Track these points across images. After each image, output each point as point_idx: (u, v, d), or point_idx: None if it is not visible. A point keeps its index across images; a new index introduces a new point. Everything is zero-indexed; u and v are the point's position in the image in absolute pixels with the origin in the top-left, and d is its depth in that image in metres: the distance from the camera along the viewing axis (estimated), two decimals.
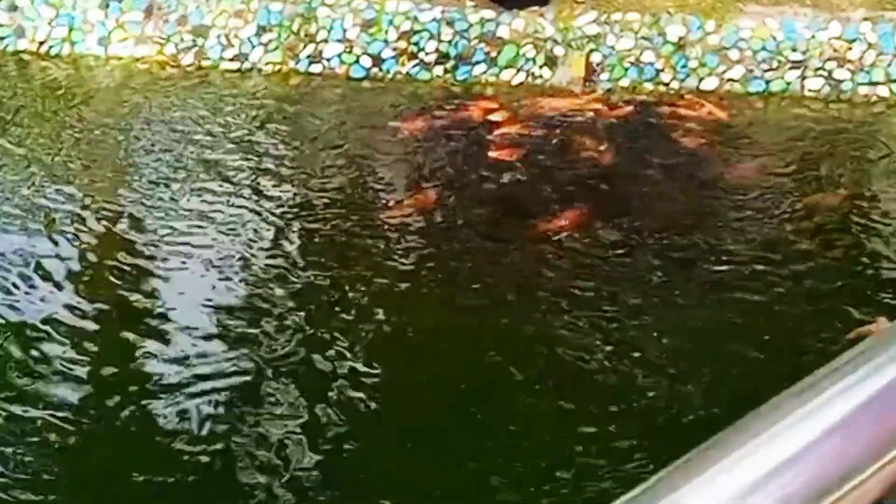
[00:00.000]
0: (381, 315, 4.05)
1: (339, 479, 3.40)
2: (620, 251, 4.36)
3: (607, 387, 3.64)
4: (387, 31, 5.94)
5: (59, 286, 4.32)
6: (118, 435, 3.64)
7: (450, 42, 5.89)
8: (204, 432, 3.59)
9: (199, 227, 4.70)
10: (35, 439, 3.59)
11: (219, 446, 3.53)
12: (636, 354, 3.77)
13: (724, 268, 4.22)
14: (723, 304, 4.02)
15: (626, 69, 5.68)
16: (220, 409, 3.69)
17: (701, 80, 5.60)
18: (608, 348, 3.80)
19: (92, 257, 4.59)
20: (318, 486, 3.38)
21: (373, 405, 3.66)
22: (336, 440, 3.52)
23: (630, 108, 5.41)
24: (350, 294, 4.18)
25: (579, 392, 3.64)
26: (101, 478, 3.54)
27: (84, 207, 4.85)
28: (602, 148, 5.05)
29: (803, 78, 5.53)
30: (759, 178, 4.80)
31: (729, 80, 5.59)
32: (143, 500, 3.41)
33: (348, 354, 3.85)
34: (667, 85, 5.61)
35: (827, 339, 3.77)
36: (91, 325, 4.14)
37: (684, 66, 5.63)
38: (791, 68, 5.56)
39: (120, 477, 3.44)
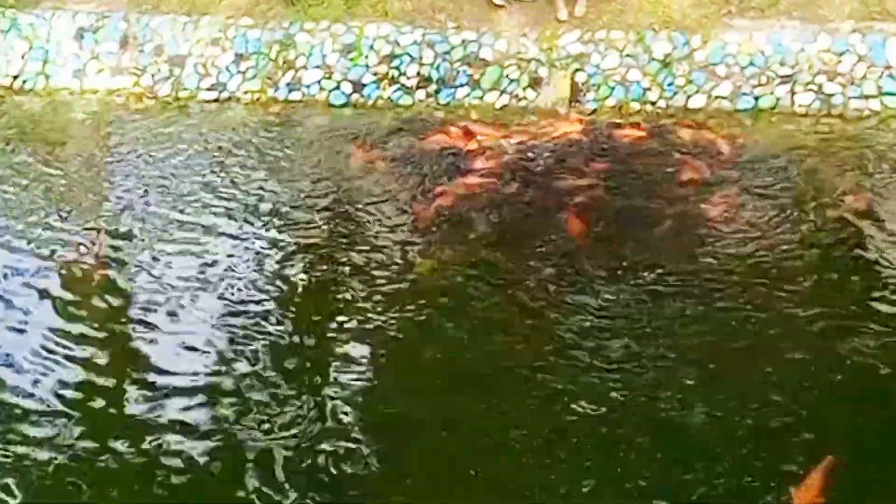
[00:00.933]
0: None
1: None
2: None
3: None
4: (367, 56, 5.81)
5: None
6: None
7: (431, 65, 5.76)
8: None
9: (179, 255, 4.59)
10: None
11: None
12: None
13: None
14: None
15: (612, 88, 5.55)
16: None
17: (689, 97, 5.47)
18: None
19: (71, 286, 4.47)
20: None
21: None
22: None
23: (629, 131, 5.25)
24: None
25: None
26: None
27: (62, 240, 4.75)
28: (591, 181, 4.89)
29: (793, 93, 5.41)
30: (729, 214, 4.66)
31: (717, 97, 5.46)
32: None
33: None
34: (654, 104, 5.49)
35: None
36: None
37: (671, 84, 5.51)
38: (780, 83, 5.44)
39: None
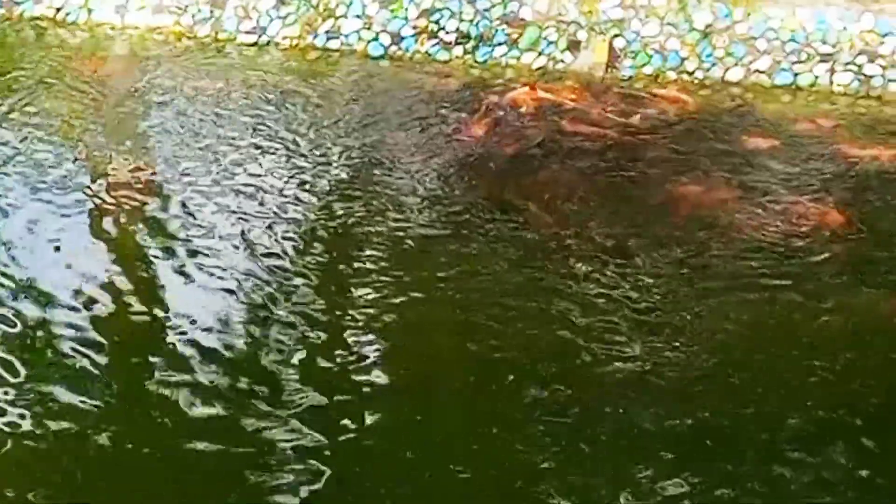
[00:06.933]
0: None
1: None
2: None
3: None
4: (407, 9, 5.82)
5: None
6: None
7: (471, 21, 5.76)
8: None
9: (219, 197, 4.57)
10: None
11: None
12: None
13: None
14: None
15: (650, 56, 5.53)
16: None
17: (727, 70, 5.45)
18: None
19: (109, 224, 4.47)
20: None
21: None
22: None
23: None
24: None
25: None
26: None
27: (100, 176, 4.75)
28: None
29: (832, 72, 5.36)
30: None
31: (755, 71, 5.43)
32: None
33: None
34: (691, 74, 5.47)
35: None
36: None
37: (710, 55, 5.48)
38: (820, 61, 5.39)
39: None
